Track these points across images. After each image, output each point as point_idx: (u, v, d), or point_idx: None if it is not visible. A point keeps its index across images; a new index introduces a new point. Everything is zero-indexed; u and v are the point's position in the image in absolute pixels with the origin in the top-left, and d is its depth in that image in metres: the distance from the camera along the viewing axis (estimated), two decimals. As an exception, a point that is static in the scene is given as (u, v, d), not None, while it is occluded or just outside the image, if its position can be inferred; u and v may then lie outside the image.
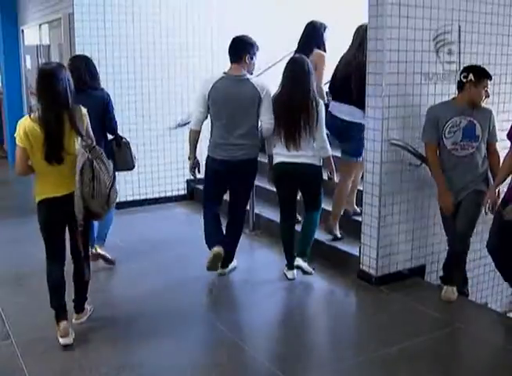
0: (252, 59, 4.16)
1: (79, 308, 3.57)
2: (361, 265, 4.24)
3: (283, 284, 4.23)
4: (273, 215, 5.33)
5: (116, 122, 4.48)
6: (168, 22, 6.24)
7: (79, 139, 3.22)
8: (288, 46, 6.00)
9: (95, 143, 3.32)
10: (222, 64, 6.77)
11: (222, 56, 6.54)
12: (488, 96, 3.82)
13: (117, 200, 4.82)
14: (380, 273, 4.13)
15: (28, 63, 8.28)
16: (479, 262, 4.72)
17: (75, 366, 3.09)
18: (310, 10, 6.74)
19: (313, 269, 4.25)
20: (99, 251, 4.49)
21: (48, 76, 3.20)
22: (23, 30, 8.37)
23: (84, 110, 3.32)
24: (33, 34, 7.71)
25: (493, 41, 4.35)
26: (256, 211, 5.36)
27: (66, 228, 3.40)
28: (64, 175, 3.22)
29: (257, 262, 4.94)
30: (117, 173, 4.36)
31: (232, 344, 3.35)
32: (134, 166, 4.60)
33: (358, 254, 4.27)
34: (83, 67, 4.32)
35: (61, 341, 3.29)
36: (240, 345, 3.34)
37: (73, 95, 3.26)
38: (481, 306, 4.19)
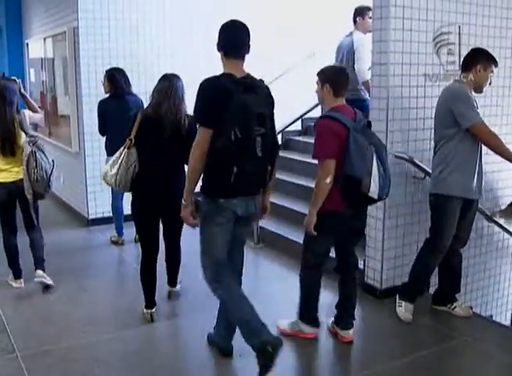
0: (363, 18, 5.13)
1: (38, 266, 4.29)
2: (365, 278, 4.24)
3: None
4: (278, 228, 5.33)
5: None
6: (173, 37, 6.28)
7: (24, 135, 4.03)
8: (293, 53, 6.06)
9: (37, 139, 4.09)
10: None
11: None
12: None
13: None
14: (384, 286, 4.13)
15: (32, 76, 8.33)
16: (483, 274, 4.72)
17: (80, 381, 3.08)
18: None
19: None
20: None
21: (2, 89, 3.99)
22: (27, 44, 8.42)
23: (26, 113, 4.17)
24: (37, 48, 7.75)
25: (494, 43, 4.34)
26: (260, 224, 5.35)
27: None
28: (13, 164, 4.05)
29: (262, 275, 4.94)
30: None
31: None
32: None
33: (362, 266, 4.25)
34: (120, 77, 5.04)
35: (15, 285, 4.32)
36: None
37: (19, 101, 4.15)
38: (486, 319, 4.17)
